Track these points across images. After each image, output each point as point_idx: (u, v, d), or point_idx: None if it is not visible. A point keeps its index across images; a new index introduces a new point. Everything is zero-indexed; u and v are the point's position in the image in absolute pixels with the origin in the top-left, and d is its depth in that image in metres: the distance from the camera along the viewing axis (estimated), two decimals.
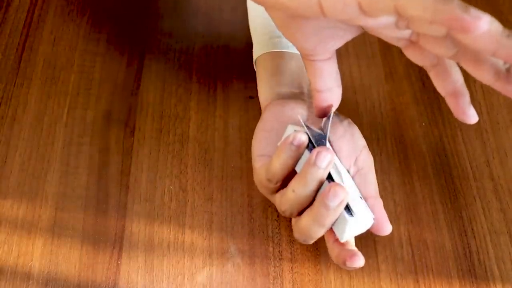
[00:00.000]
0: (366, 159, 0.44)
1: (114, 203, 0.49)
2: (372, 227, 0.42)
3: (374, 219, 0.41)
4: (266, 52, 0.50)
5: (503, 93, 0.34)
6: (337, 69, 0.42)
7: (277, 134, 0.44)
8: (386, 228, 0.42)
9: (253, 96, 0.56)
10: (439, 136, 0.54)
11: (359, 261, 0.40)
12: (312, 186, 0.39)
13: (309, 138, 0.41)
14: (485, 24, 0.28)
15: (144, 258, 0.47)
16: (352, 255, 0.40)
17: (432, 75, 0.39)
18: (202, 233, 0.48)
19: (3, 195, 0.49)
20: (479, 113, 0.55)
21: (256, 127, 0.46)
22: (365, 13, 0.32)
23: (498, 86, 0.34)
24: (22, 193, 0.49)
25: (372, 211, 0.42)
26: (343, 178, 0.41)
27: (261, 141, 0.45)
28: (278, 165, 0.40)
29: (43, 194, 0.49)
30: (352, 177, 0.43)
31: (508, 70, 0.34)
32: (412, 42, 0.37)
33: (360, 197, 0.42)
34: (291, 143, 0.39)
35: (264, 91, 0.49)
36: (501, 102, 0.57)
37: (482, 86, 0.58)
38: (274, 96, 0.47)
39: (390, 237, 0.48)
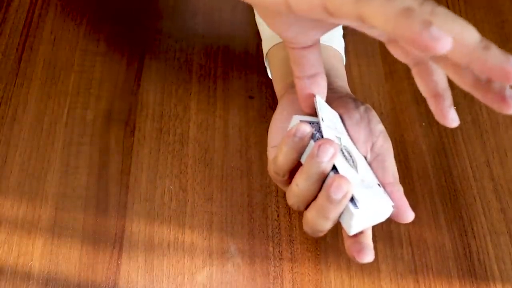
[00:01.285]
0: (384, 145, 0.42)
1: (114, 203, 0.49)
2: (392, 215, 0.40)
3: (393, 206, 0.40)
4: (278, 43, 0.50)
5: (482, 101, 0.32)
6: (320, 57, 0.40)
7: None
8: (407, 215, 0.40)
9: (253, 96, 0.56)
10: (439, 136, 0.54)
11: (367, 256, 0.38)
12: (315, 179, 0.38)
13: (318, 128, 0.39)
14: (445, 46, 0.26)
15: (144, 258, 0.47)
16: (359, 250, 0.38)
17: (414, 73, 0.38)
18: (202, 233, 0.48)
19: (3, 195, 0.49)
20: (479, 113, 0.56)
21: (272, 117, 0.44)
22: (331, 15, 0.31)
23: (477, 94, 0.32)
24: (22, 193, 0.49)
25: (391, 198, 0.40)
26: (358, 166, 0.39)
27: (275, 131, 0.43)
28: (282, 158, 0.39)
29: (43, 194, 0.49)
30: (369, 164, 0.41)
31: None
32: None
33: (378, 185, 0.40)
34: (294, 135, 0.38)
35: (279, 81, 0.48)
36: None
37: None
38: (290, 84, 0.46)
39: (390, 236, 0.48)
